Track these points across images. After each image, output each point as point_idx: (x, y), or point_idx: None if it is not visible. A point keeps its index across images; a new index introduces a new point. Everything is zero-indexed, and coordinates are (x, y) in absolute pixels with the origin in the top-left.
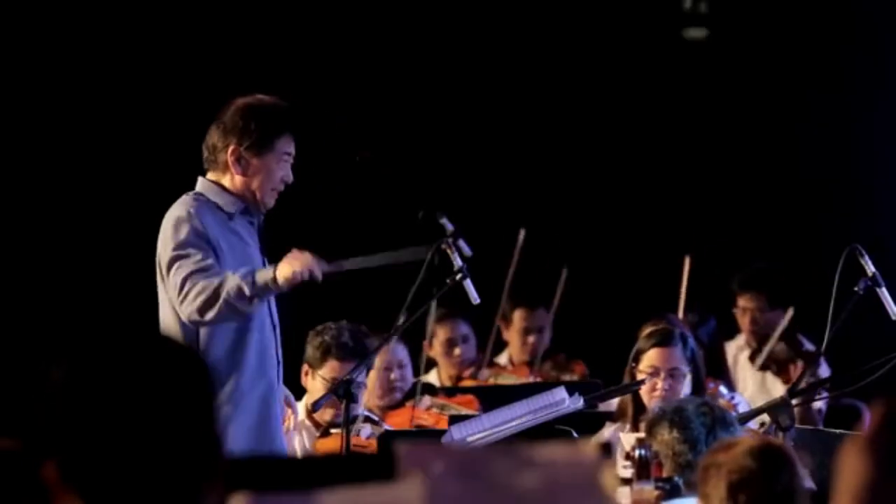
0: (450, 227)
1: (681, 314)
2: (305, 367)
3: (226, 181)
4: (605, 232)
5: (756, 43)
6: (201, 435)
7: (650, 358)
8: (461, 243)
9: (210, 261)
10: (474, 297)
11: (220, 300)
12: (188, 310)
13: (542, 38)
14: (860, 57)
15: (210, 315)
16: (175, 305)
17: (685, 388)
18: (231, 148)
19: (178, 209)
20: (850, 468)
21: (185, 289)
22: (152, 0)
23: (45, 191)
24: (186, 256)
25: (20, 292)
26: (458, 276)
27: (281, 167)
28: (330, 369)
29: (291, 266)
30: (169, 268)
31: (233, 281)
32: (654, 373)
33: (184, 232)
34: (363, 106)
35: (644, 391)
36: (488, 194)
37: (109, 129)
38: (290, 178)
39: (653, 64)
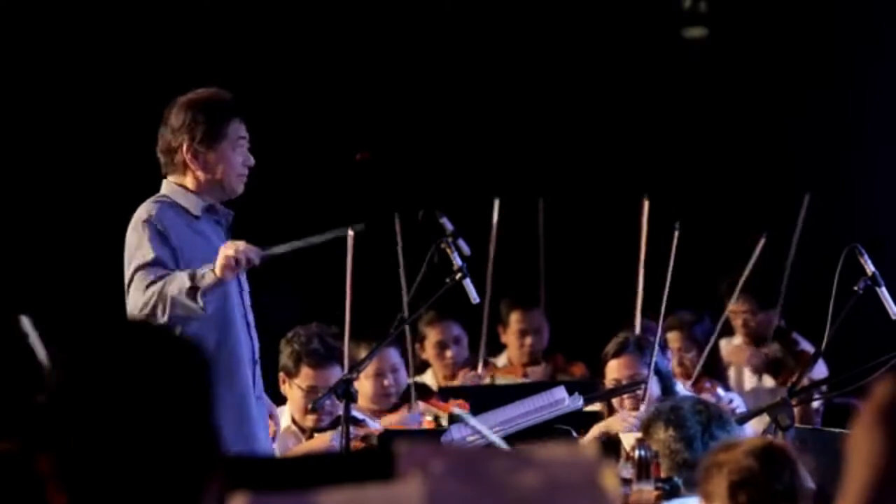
0: (449, 226)
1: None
2: (282, 376)
3: (188, 182)
4: (604, 231)
5: (756, 42)
6: (201, 429)
7: (610, 370)
8: (461, 243)
9: (165, 269)
10: (474, 297)
11: (167, 300)
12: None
13: (542, 37)
14: (860, 56)
15: (162, 317)
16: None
17: (652, 392)
18: (185, 146)
19: (139, 213)
20: (864, 444)
21: (142, 300)
22: (153, 4)
23: (40, 190)
24: (143, 267)
25: (16, 287)
26: (458, 276)
27: (238, 153)
28: (304, 377)
29: (224, 252)
30: (130, 277)
31: (177, 279)
32: (634, 382)
33: (144, 237)
34: (363, 106)
35: (615, 400)
36: (487, 193)
37: (101, 127)
38: (252, 162)
39: (652, 63)
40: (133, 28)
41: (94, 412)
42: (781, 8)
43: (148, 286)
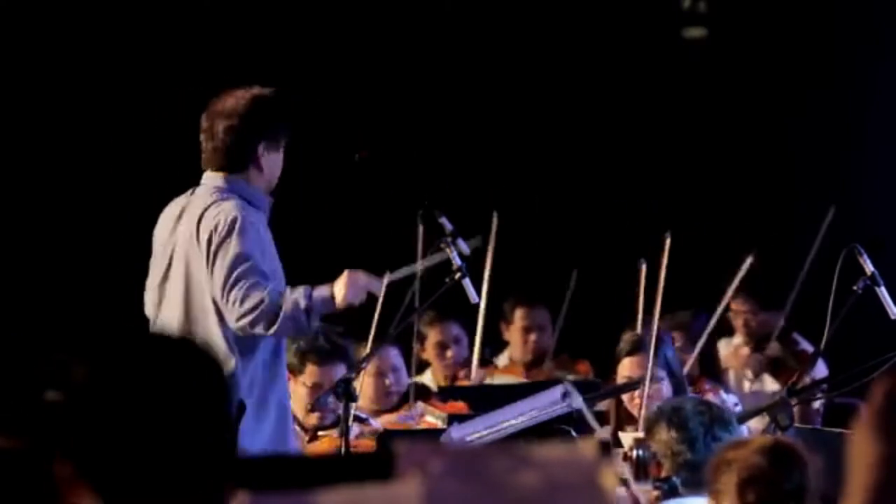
0: (449, 226)
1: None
2: (287, 374)
3: (252, 178)
4: (608, 230)
5: (756, 42)
6: (219, 435)
7: (623, 368)
8: (460, 242)
9: (264, 276)
10: (473, 297)
11: (280, 315)
12: (241, 321)
13: (542, 36)
14: (859, 56)
15: (268, 330)
16: (223, 310)
17: (664, 391)
18: (260, 147)
19: (233, 210)
20: (863, 451)
21: (246, 306)
22: (152, 2)
23: (54, 191)
24: (245, 272)
25: (30, 292)
26: (458, 276)
27: (282, 158)
28: (310, 374)
29: (354, 294)
30: (228, 279)
31: (293, 297)
32: (632, 381)
33: (250, 237)
34: (362, 106)
35: (624, 398)
36: (486, 193)
37: (111, 128)
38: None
39: (652, 63)
40: (133, 28)
41: (120, 417)
42: (781, 8)
43: (252, 294)
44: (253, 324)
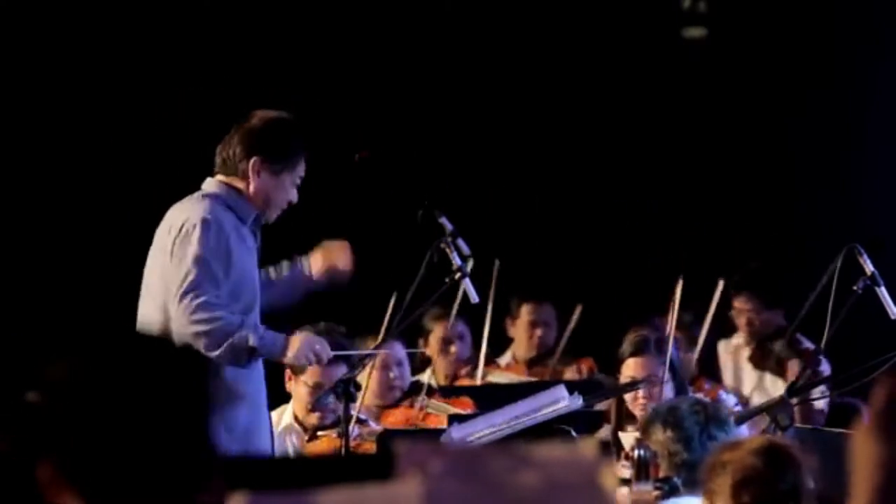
0: (449, 226)
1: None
2: (288, 373)
3: (241, 187)
4: (610, 229)
5: (756, 42)
6: (198, 434)
7: (627, 367)
8: (460, 242)
9: (226, 288)
10: (473, 297)
11: (226, 344)
12: (190, 329)
13: (541, 36)
14: (860, 56)
15: (210, 352)
16: (174, 312)
17: (667, 392)
18: (254, 160)
19: (202, 211)
20: (865, 452)
21: (200, 327)
22: (152, 2)
23: (43, 191)
24: (208, 277)
25: (14, 291)
26: (458, 276)
27: (292, 188)
28: (311, 374)
29: (303, 355)
30: (184, 288)
31: (244, 333)
32: (633, 382)
33: (211, 240)
34: (363, 105)
35: (627, 398)
36: (487, 192)
37: (108, 130)
38: (295, 200)
39: (651, 63)
40: (133, 28)
41: (101, 416)
42: (781, 8)
43: (210, 315)
44: (199, 337)
